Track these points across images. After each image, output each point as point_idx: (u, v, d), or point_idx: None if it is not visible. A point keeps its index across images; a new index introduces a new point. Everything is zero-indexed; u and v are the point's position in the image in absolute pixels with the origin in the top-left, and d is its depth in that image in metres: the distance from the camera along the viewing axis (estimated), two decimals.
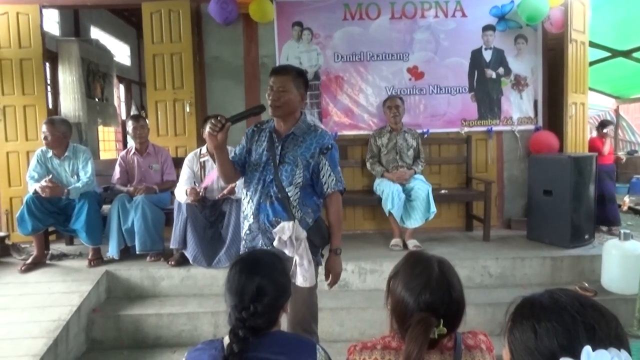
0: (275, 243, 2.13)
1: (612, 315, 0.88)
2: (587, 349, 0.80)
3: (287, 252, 2.10)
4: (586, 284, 3.67)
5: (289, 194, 2.19)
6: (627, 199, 7.86)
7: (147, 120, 4.33)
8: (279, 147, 2.22)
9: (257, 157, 2.26)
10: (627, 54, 6.45)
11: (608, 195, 5.68)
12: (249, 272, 1.35)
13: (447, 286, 1.26)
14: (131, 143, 5.48)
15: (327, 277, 2.32)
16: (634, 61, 6.50)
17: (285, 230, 2.11)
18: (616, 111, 10.06)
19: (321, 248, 2.34)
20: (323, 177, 2.24)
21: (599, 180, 5.84)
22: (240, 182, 3.68)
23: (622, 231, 3.69)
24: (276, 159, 2.20)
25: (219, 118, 2.06)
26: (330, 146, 2.25)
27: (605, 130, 5.80)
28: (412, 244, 4.13)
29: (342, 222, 2.36)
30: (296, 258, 2.13)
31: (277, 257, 1.47)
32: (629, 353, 0.83)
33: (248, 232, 2.29)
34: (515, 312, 0.95)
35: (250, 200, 2.26)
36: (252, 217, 2.25)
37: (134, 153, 4.22)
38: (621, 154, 6.60)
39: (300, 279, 2.14)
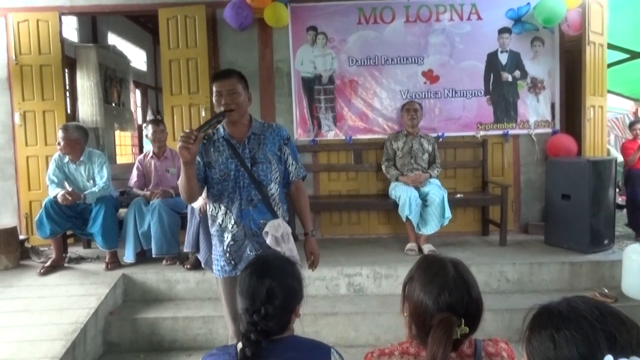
0: (268, 241, 2.15)
1: (633, 322, 0.86)
2: (608, 358, 0.78)
3: (279, 249, 2.13)
4: (606, 290, 3.60)
5: (270, 192, 2.24)
6: None
7: (164, 124, 4.37)
8: (246, 150, 2.21)
9: (223, 167, 2.20)
10: None
11: (636, 202, 5.62)
12: (260, 275, 1.35)
13: (465, 285, 1.26)
14: (147, 147, 5.54)
15: (308, 259, 2.38)
16: None
17: (277, 227, 2.16)
18: (635, 113, 9.90)
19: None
20: (289, 166, 2.33)
21: (631, 186, 5.79)
22: None
23: None
24: (246, 162, 2.20)
25: (187, 131, 1.97)
26: (288, 136, 2.35)
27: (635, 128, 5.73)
28: (427, 248, 4.10)
29: (309, 206, 2.46)
30: (287, 253, 2.15)
31: (287, 261, 1.48)
32: None
33: (232, 242, 2.23)
34: (533, 320, 0.93)
35: (228, 211, 2.21)
36: (235, 226, 2.21)
37: (152, 157, 4.27)
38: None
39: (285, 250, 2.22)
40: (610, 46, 5.54)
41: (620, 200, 8.37)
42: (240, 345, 1.30)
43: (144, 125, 7.99)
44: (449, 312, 1.21)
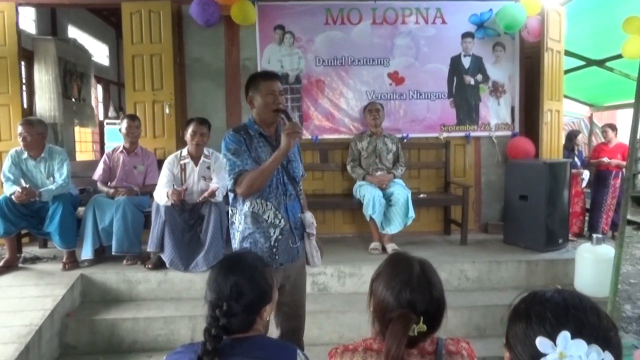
0: (314, 231, 2.36)
1: (610, 321, 0.89)
2: (564, 333, 0.81)
3: (314, 239, 2.38)
4: (559, 287, 3.74)
5: (299, 187, 2.41)
6: None
7: (140, 121, 4.28)
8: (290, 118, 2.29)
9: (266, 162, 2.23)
10: (601, 63, 6.62)
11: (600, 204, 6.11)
12: (228, 270, 1.35)
13: (428, 285, 1.29)
14: (108, 145, 5.39)
15: (318, 251, 2.51)
16: (607, 70, 6.67)
17: (311, 219, 2.37)
18: (590, 118, 10.30)
19: None
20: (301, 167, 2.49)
21: (597, 187, 6.21)
22: (221, 185, 3.67)
23: (594, 235, 3.78)
24: (283, 160, 2.26)
25: (294, 122, 2.16)
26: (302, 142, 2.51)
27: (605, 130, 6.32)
28: (391, 247, 4.15)
29: None
30: (314, 243, 2.39)
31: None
32: (617, 358, 0.84)
33: (280, 237, 2.26)
34: (519, 301, 0.97)
35: (273, 207, 2.25)
36: (283, 220, 2.27)
37: (121, 151, 4.17)
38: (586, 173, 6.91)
39: (314, 260, 2.43)
40: (568, 53, 5.76)
41: None
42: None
43: (109, 121, 7.82)
44: (408, 309, 1.24)
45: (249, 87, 2.29)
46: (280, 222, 2.26)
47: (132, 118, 4.24)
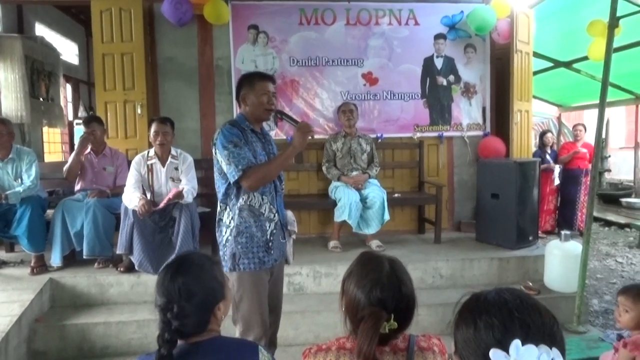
0: (296, 229, 2.44)
1: (551, 315, 0.92)
2: (516, 342, 0.84)
3: (294, 237, 2.48)
4: (530, 283, 3.84)
5: (282, 186, 2.46)
6: None
7: (100, 122, 4.15)
8: (269, 145, 2.39)
9: (262, 157, 2.30)
10: (568, 64, 6.82)
11: (569, 200, 6.32)
12: (175, 272, 1.32)
13: (398, 282, 1.30)
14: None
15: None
16: (574, 72, 6.88)
17: (292, 217, 2.47)
18: (558, 118, 10.59)
19: None
20: None
21: (566, 185, 6.42)
22: (188, 187, 3.62)
23: (562, 233, 3.88)
24: (270, 156, 2.35)
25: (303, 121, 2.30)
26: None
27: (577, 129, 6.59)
28: (375, 244, 4.24)
29: None
30: (291, 240, 2.48)
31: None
32: (563, 352, 0.87)
33: (275, 231, 2.33)
34: (463, 305, 0.99)
35: (268, 202, 2.31)
36: (276, 215, 2.34)
37: (90, 153, 4.07)
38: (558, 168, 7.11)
39: (289, 258, 2.51)
40: (536, 55, 5.91)
41: None
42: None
43: (78, 121, 7.62)
44: (379, 307, 1.25)
45: (242, 85, 2.33)
46: (274, 216, 2.34)
47: (87, 123, 4.09)
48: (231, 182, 2.22)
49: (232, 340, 1.41)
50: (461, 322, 0.96)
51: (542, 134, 6.81)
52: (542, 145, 6.69)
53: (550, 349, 0.84)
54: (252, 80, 2.32)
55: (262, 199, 2.29)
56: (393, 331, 1.27)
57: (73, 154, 4.01)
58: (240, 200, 2.25)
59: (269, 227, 2.30)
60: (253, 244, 2.25)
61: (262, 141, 2.34)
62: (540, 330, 0.88)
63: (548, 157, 6.52)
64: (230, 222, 2.27)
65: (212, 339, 1.33)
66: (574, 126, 6.92)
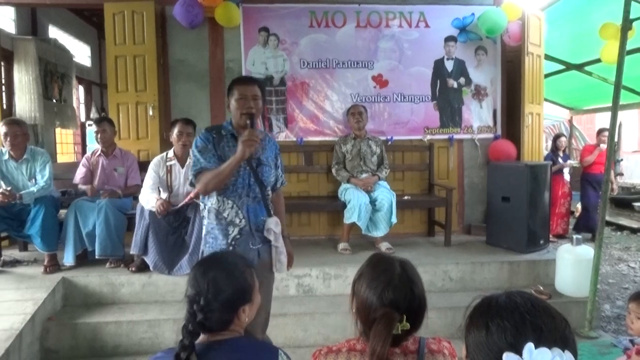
0: (270, 236, 2.34)
1: (563, 318, 0.92)
2: (529, 345, 0.84)
3: (276, 243, 2.37)
4: (541, 287, 3.81)
5: (267, 193, 2.40)
6: (579, 206, 8.21)
7: (111, 123, 4.20)
8: (259, 150, 2.34)
9: None
10: (579, 67, 6.77)
11: (589, 205, 6.25)
12: (208, 267, 1.35)
13: (409, 283, 1.30)
14: (91, 146, 5.30)
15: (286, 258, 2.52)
16: (585, 74, 6.82)
17: (276, 224, 2.37)
18: (570, 121, 10.50)
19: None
20: (278, 175, 2.54)
21: (585, 188, 6.35)
22: None
23: (574, 237, 3.85)
24: (252, 162, 2.31)
25: (253, 133, 2.16)
26: (279, 148, 2.55)
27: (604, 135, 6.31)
28: (384, 246, 4.23)
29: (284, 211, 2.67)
30: (278, 247, 2.39)
31: (242, 260, 1.46)
32: (575, 354, 0.87)
33: (238, 236, 2.31)
34: (474, 309, 0.99)
35: (235, 205, 2.30)
36: (243, 220, 2.31)
37: (100, 155, 4.12)
38: (575, 162, 7.00)
39: (279, 265, 2.43)
40: (548, 57, 5.88)
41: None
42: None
43: (90, 122, 7.71)
44: (391, 308, 1.25)
45: (228, 91, 2.37)
46: (240, 222, 2.31)
47: (98, 122, 4.16)
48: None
49: (254, 341, 1.43)
50: (472, 326, 0.96)
51: (556, 138, 6.73)
52: (554, 148, 6.62)
53: (563, 351, 0.84)
54: (232, 85, 2.34)
55: (227, 203, 2.30)
56: (404, 332, 1.27)
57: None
58: (209, 202, 2.34)
59: (232, 232, 2.31)
60: (216, 244, 2.33)
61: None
62: (553, 333, 0.88)
63: (560, 160, 6.47)
64: (203, 221, 2.39)
65: (234, 338, 1.35)
66: (600, 131, 6.68)
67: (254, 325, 2.38)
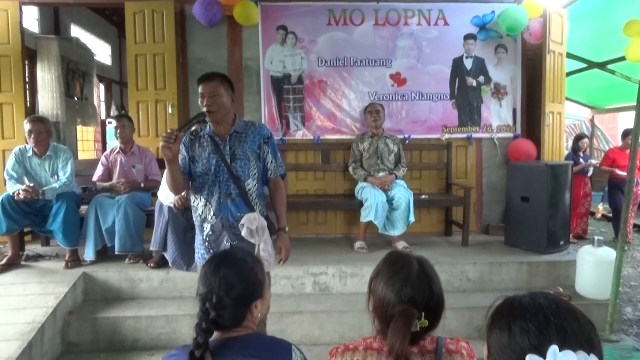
0: (243, 233, 2.25)
1: (588, 320, 0.90)
2: (554, 348, 0.82)
3: (253, 240, 2.26)
4: (561, 289, 3.75)
5: (247, 187, 2.36)
6: (601, 207, 8.06)
7: (130, 120, 4.27)
8: (227, 147, 2.35)
9: (205, 162, 2.34)
10: (602, 65, 6.64)
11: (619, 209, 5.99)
12: (218, 264, 1.36)
13: (428, 280, 1.30)
14: (111, 144, 5.38)
15: (279, 253, 2.43)
16: (608, 73, 6.69)
17: (252, 220, 2.27)
18: (592, 121, 10.31)
19: (274, 235, 2.48)
20: (268, 164, 2.46)
21: (612, 194, 6.20)
22: None
23: (595, 238, 3.78)
24: (226, 158, 2.33)
25: (169, 131, 2.13)
26: (270, 135, 2.47)
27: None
28: (401, 245, 4.20)
29: (285, 203, 2.52)
30: (261, 245, 2.28)
31: (251, 257, 1.47)
32: (601, 358, 0.85)
33: (210, 233, 2.38)
34: (496, 310, 0.97)
35: (208, 203, 2.36)
36: (214, 217, 2.35)
37: (118, 152, 4.18)
38: (596, 162, 6.81)
39: (265, 264, 2.24)
40: (569, 56, 5.77)
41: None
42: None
43: (111, 120, 7.83)
44: (410, 305, 1.25)
45: None
46: (211, 218, 2.36)
47: (119, 118, 4.24)
48: None
49: (267, 338, 1.43)
50: (495, 327, 0.94)
51: (578, 138, 6.59)
52: (576, 149, 6.47)
53: (589, 355, 0.82)
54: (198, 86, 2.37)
55: (200, 199, 2.38)
56: (423, 331, 1.26)
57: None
58: (190, 200, 2.46)
59: (206, 229, 2.38)
60: (199, 240, 2.44)
61: (217, 145, 2.33)
62: (578, 336, 0.86)
63: (582, 161, 6.34)
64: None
65: (248, 335, 1.35)
66: (627, 134, 6.28)
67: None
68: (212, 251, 2.37)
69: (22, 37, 4.63)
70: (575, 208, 5.95)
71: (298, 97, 4.87)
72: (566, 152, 6.43)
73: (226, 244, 2.37)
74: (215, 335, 1.30)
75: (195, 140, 2.38)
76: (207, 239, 2.38)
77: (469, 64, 4.99)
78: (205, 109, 2.29)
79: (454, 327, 3.35)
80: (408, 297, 1.26)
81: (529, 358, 0.84)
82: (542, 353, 0.83)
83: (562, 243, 4.30)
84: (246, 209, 2.34)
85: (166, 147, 2.10)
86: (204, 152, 2.35)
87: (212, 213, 2.35)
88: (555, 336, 0.86)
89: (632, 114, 3.50)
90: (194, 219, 2.45)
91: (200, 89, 2.33)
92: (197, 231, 2.45)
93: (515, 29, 4.69)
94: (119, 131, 4.12)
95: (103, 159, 4.23)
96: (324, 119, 4.92)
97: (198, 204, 2.40)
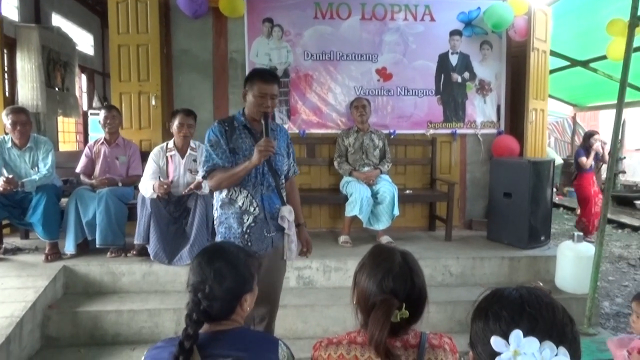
0: (285, 224, 2.40)
1: (567, 315, 0.91)
2: (516, 332, 0.83)
3: (288, 231, 2.43)
4: (541, 283, 3.81)
5: (281, 181, 2.47)
6: None
7: (118, 111, 4.21)
8: (267, 134, 2.34)
9: (247, 153, 2.32)
10: (585, 64, 6.73)
11: None
12: (212, 256, 1.37)
13: (410, 273, 1.32)
14: (92, 135, 5.29)
15: (304, 246, 2.63)
16: (590, 71, 6.79)
17: (290, 212, 2.43)
18: (573, 118, 10.47)
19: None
20: (290, 164, 2.59)
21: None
22: None
23: (575, 234, 3.85)
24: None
25: (268, 140, 2.22)
26: (290, 137, 2.61)
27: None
28: (385, 240, 4.22)
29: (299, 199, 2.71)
30: (290, 236, 2.46)
31: (243, 251, 1.48)
32: (574, 354, 0.85)
33: (253, 224, 2.37)
34: (481, 300, 0.99)
35: (249, 195, 2.36)
36: (257, 209, 2.37)
37: (102, 143, 4.12)
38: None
39: (288, 253, 2.49)
40: (553, 53, 5.84)
41: (557, 199, 8.88)
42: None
43: (93, 111, 7.71)
44: (391, 296, 1.26)
45: (247, 81, 2.37)
46: (254, 210, 2.37)
47: (109, 108, 4.18)
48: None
49: (254, 332, 1.44)
50: (476, 315, 0.96)
51: (590, 135, 6.27)
52: (587, 146, 6.16)
53: (557, 347, 0.83)
54: (253, 79, 2.35)
55: (241, 192, 2.37)
56: (404, 322, 1.28)
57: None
58: (222, 193, 2.40)
59: (247, 220, 2.36)
60: (230, 234, 2.38)
61: (255, 137, 2.36)
62: (549, 327, 0.87)
63: (591, 160, 6.08)
64: (215, 212, 2.45)
65: (235, 329, 1.36)
66: (590, 135, 6.33)
67: (254, 315, 2.41)
68: (249, 243, 2.35)
69: (1, 25, 4.51)
70: (589, 207, 5.97)
71: (283, 91, 4.83)
72: (548, 149, 6.46)
73: (266, 234, 2.39)
74: (204, 327, 1.31)
75: (231, 132, 2.36)
76: (248, 230, 2.36)
77: (454, 59, 5.01)
78: (262, 109, 2.30)
79: (436, 321, 3.39)
80: (389, 288, 1.28)
81: (493, 340, 0.85)
82: (509, 338, 0.84)
83: (542, 238, 4.37)
84: (279, 202, 2.44)
85: (270, 154, 2.23)
86: (243, 144, 2.35)
87: (255, 204, 2.36)
88: (526, 324, 0.86)
89: (613, 112, 3.56)
90: (227, 211, 2.38)
91: (261, 88, 2.30)
92: (232, 223, 2.37)
93: (500, 26, 4.73)
94: (108, 121, 4.06)
95: (86, 149, 4.16)
96: (309, 113, 4.90)
97: (237, 196, 2.36)
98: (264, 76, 2.35)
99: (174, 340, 1.28)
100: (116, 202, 3.77)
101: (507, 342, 0.84)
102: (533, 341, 0.82)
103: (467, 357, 1.00)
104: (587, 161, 6.02)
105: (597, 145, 6.11)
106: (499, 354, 0.84)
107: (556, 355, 0.82)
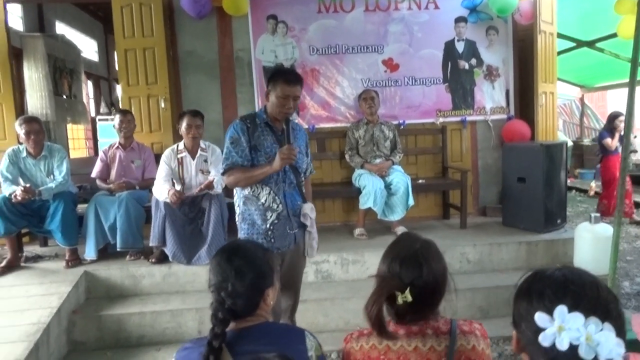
0: (308, 222, 2.45)
1: (612, 293, 0.91)
2: (561, 307, 0.83)
3: (310, 229, 2.48)
4: (563, 265, 3.80)
5: (301, 179, 2.50)
6: (593, 184, 8.16)
7: (133, 116, 4.25)
8: (289, 139, 2.38)
9: (269, 151, 2.35)
10: (591, 44, 6.67)
11: None
12: (231, 255, 1.38)
13: (420, 259, 1.32)
14: (102, 141, 5.33)
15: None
16: (597, 51, 6.73)
17: (312, 209, 2.48)
18: (581, 100, 10.39)
19: None
20: (308, 163, 2.62)
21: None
22: (217, 177, 3.66)
23: (592, 215, 3.83)
24: None
25: (291, 147, 2.27)
26: (307, 137, 2.65)
27: None
28: (400, 230, 4.22)
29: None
30: (312, 233, 2.50)
31: (260, 246, 1.50)
32: (620, 331, 0.85)
33: (276, 221, 2.39)
34: (523, 281, 0.99)
35: (272, 192, 2.38)
36: (280, 206, 2.39)
37: (117, 147, 4.16)
38: (587, 141, 6.81)
39: (310, 250, 2.54)
40: (559, 35, 5.79)
41: (569, 182, 8.81)
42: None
43: (101, 117, 7.75)
44: (394, 277, 1.30)
45: (270, 80, 2.38)
46: (278, 207, 2.39)
47: (124, 113, 4.23)
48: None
49: (280, 325, 1.45)
50: (518, 295, 0.97)
51: (615, 117, 6.10)
52: (612, 128, 6.06)
53: (602, 322, 0.83)
54: (276, 80, 2.34)
55: (264, 189, 2.38)
56: (408, 307, 1.28)
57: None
58: (245, 190, 2.41)
59: (270, 216, 2.38)
60: (254, 230, 2.40)
61: (277, 135, 2.38)
62: (593, 304, 0.87)
63: (617, 142, 5.94)
64: (237, 209, 2.47)
65: (261, 324, 1.37)
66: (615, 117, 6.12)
67: (277, 309, 2.43)
68: (272, 240, 2.38)
69: (8, 36, 4.54)
70: (611, 188, 5.83)
71: None
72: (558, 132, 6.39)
73: (289, 231, 2.42)
74: (230, 325, 1.31)
75: (254, 129, 2.37)
76: (271, 227, 2.38)
77: (460, 46, 4.98)
78: (284, 110, 2.33)
79: (456, 308, 3.38)
80: (396, 271, 1.31)
81: (538, 316, 0.85)
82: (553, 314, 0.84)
83: (559, 221, 4.35)
84: (301, 199, 2.48)
85: (291, 161, 2.28)
86: (265, 142, 2.37)
87: (278, 201, 2.38)
88: (570, 301, 0.86)
89: (621, 92, 3.52)
90: (249, 209, 2.40)
91: (285, 89, 2.30)
92: (255, 220, 2.39)
93: (505, 10, 4.69)
94: (123, 125, 4.11)
95: (101, 154, 4.20)
96: (317, 108, 4.90)
97: (260, 193, 2.39)
98: (287, 77, 2.34)
99: (202, 341, 1.29)
100: (135, 205, 3.81)
101: (552, 317, 0.84)
102: (578, 316, 0.82)
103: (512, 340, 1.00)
104: (613, 142, 5.93)
105: (622, 127, 5.95)
106: (543, 330, 0.84)
107: (601, 330, 0.82)
